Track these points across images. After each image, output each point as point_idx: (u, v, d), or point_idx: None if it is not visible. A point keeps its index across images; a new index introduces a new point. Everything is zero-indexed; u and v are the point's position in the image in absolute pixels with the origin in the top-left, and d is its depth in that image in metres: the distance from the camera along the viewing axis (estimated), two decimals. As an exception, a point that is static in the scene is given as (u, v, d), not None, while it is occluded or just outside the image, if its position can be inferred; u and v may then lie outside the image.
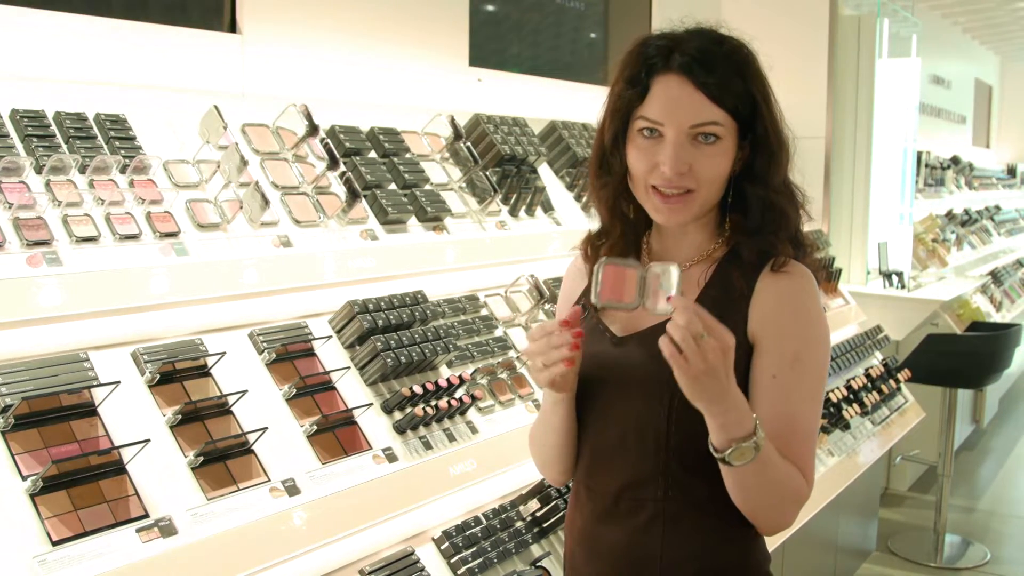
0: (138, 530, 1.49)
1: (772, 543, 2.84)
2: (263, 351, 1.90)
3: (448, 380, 2.08)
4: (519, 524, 2.16)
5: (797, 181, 1.45)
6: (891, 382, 4.05)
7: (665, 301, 1.22)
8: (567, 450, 1.49)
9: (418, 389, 2.02)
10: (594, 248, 1.52)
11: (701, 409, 1.25)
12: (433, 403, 2.05)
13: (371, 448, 1.92)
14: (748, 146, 1.37)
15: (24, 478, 1.46)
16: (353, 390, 2.00)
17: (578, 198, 2.92)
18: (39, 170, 1.68)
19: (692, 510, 1.38)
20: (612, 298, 1.26)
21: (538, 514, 2.19)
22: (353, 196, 2.10)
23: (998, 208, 8.56)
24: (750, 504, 1.34)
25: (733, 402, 1.24)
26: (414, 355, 2.06)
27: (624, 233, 1.48)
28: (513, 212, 2.60)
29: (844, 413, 3.55)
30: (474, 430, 2.14)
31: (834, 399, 3.59)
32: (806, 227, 1.47)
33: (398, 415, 2.02)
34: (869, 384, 3.88)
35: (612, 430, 1.41)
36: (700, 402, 1.23)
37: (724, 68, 1.32)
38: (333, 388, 1.96)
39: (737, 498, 1.33)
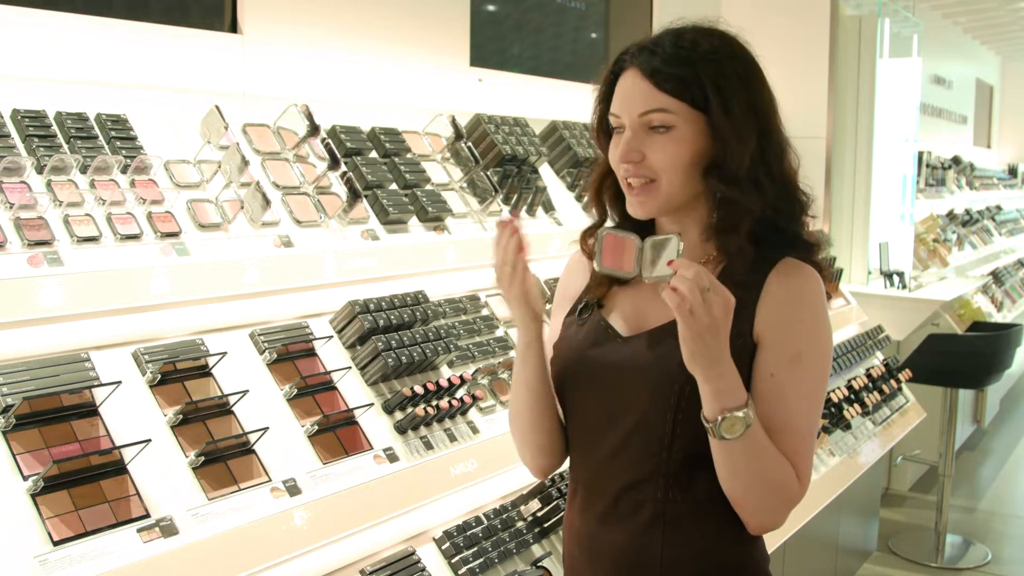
0: (139, 530, 1.49)
1: (772, 543, 2.84)
2: (264, 351, 1.90)
3: (449, 380, 2.08)
4: (520, 524, 2.16)
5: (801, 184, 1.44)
6: (892, 382, 4.05)
7: (665, 267, 1.24)
8: (541, 415, 1.47)
9: (419, 389, 2.02)
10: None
11: (698, 374, 1.25)
12: (434, 403, 2.05)
13: (372, 448, 1.92)
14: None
15: (25, 478, 1.46)
16: (354, 390, 2.00)
17: (579, 198, 2.92)
18: (40, 170, 1.68)
19: (692, 511, 1.38)
20: (612, 266, 1.31)
21: (539, 514, 2.19)
22: (354, 196, 2.10)
23: (999, 208, 8.56)
24: (738, 489, 1.32)
25: (728, 368, 1.25)
26: (415, 355, 2.06)
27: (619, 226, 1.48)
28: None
29: (845, 413, 3.55)
30: (475, 430, 2.14)
31: (835, 399, 3.59)
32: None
33: (399, 415, 2.02)
34: (870, 384, 3.88)
35: (615, 430, 1.41)
36: (700, 363, 1.23)
37: (671, 56, 1.33)
38: (334, 388, 1.96)
39: (725, 481, 1.32)
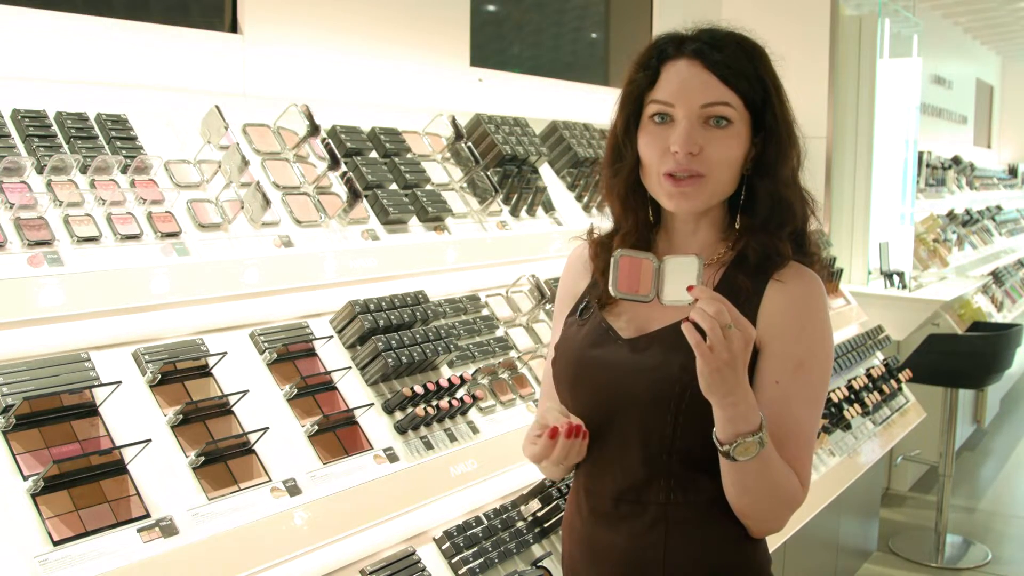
0: (139, 530, 1.49)
1: (773, 544, 2.84)
2: (264, 351, 1.90)
3: (449, 380, 2.08)
4: (520, 524, 2.16)
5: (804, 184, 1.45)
6: (892, 382, 4.05)
7: (684, 291, 1.22)
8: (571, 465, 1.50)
9: (419, 389, 2.02)
10: (603, 247, 1.49)
11: (713, 401, 1.24)
12: (434, 403, 2.05)
13: (372, 448, 1.92)
14: (760, 142, 1.37)
15: (25, 478, 1.46)
16: (354, 390, 2.00)
17: (579, 198, 2.92)
18: (40, 170, 1.68)
19: (694, 513, 1.37)
20: (627, 290, 1.26)
21: (539, 514, 2.19)
22: (354, 196, 2.10)
23: (999, 208, 8.57)
24: (746, 503, 1.33)
25: (744, 395, 1.23)
26: (415, 355, 2.06)
27: (637, 226, 1.46)
28: (514, 212, 2.60)
29: (845, 413, 3.55)
30: (475, 430, 2.14)
31: (835, 399, 3.59)
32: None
33: (399, 415, 2.02)
34: (870, 384, 3.88)
35: (615, 433, 1.40)
36: (715, 394, 1.23)
37: (734, 51, 1.34)
38: (334, 388, 1.96)
39: (734, 496, 1.33)
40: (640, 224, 1.46)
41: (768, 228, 1.38)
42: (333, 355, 2.03)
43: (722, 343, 1.17)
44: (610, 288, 1.29)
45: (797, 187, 1.41)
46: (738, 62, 1.34)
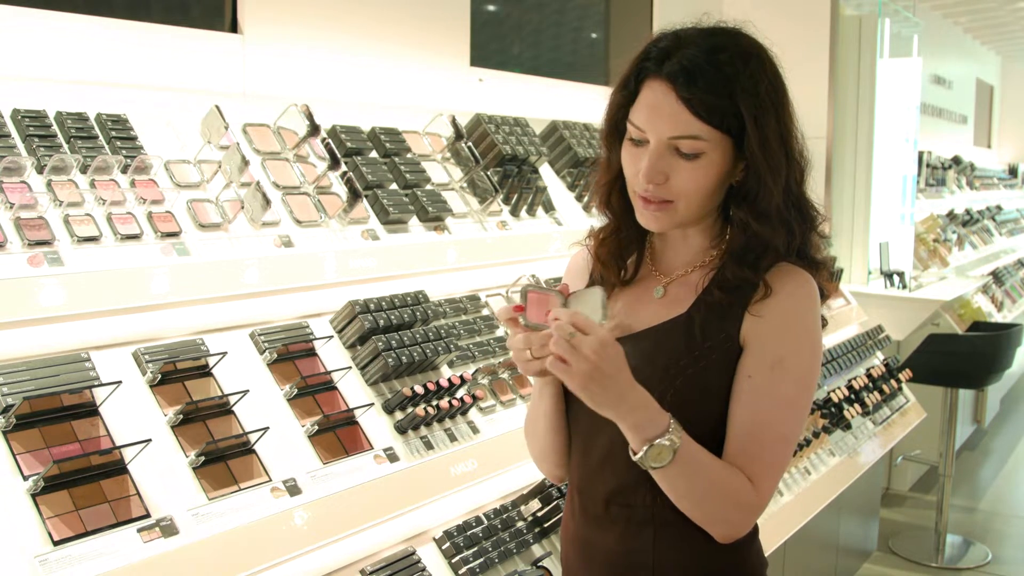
0: (139, 530, 1.49)
1: (772, 544, 2.84)
2: (264, 351, 1.90)
3: (449, 380, 2.08)
4: (520, 524, 2.16)
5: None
6: (892, 382, 4.05)
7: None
8: (559, 438, 1.48)
9: (419, 389, 2.02)
10: (603, 243, 1.49)
11: (610, 415, 1.24)
12: (434, 403, 2.05)
13: (372, 448, 1.92)
14: (744, 166, 1.33)
15: (25, 478, 1.46)
16: (354, 390, 2.00)
17: (579, 198, 2.92)
18: (40, 170, 1.68)
19: (682, 516, 1.35)
20: (537, 321, 1.27)
21: (539, 514, 2.19)
22: (354, 196, 2.10)
23: (999, 208, 8.57)
24: (687, 506, 1.31)
25: (638, 400, 1.23)
26: (415, 355, 2.06)
27: (619, 229, 1.46)
28: (514, 212, 2.60)
29: (845, 413, 3.55)
30: (475, 430, 2.14)
31: (835, 399, 3.59)
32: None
33: (399, 415, 2.02)
34: (870, 384, 3.88)
35: (603, 435, 1.40)
36: (604, 406, 1.23)
37: (711, 82, 1.27)
38: (334, 388, 1.97)
39: (675, 502, 1.31)
40: (624, 226, 1.45)
41: (744, 260, 1.34)
42: (333, 355, 2.03)
43: (571, 353, 1.17)
44: (520, 320, 1.29)
45: (781, 218, 1.34)
46: (713, 94, 1.26)
